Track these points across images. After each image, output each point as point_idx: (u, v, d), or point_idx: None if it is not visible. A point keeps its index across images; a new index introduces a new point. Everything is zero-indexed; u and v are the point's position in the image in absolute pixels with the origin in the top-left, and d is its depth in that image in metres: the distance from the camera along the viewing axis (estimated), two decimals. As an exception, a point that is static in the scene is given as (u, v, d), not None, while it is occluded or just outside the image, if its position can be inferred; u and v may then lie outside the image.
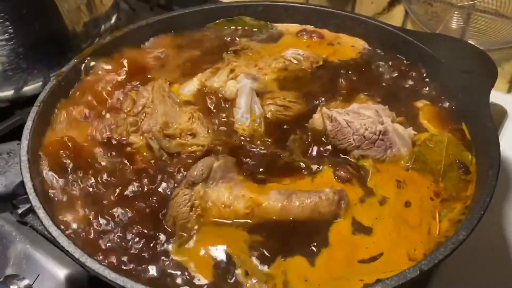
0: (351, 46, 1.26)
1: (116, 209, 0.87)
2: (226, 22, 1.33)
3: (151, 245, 0.83)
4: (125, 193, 0.90)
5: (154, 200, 0.89)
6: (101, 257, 0.81)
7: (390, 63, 1.19)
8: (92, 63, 1.15)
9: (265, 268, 0.80)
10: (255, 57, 1.21)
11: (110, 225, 0.85)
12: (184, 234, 0.84)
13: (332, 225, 0.85)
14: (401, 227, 0.85)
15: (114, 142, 1.00)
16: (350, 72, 1.17)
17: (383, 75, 1.17)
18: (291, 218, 0.85)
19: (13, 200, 0.90)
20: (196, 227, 0.85)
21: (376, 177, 0.93)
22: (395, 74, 1.17)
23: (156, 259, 0.81)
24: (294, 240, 0.83)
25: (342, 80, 1.14)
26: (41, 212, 0.80)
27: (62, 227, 0.83)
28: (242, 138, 1.01)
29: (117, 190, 0.90)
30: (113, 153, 0.97)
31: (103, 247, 0.82)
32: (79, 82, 1.13)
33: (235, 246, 0.82)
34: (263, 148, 0.99)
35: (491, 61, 1.06)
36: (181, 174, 0.92)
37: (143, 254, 0.82)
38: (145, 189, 0.91)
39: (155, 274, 0.79)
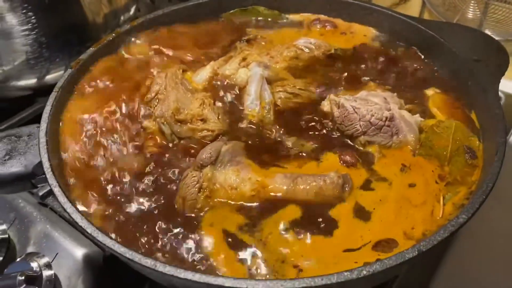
0: (363, 35, 1.27)
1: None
2: (240, 12, 1.35)
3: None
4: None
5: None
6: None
7: (401, 51, 1.20)
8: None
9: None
10: (267, 46, 1.23)
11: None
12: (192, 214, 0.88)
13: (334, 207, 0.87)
14: (403, 206, 0.86)
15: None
16: (360, 60, 1.18)
17: (394, 63, 1.17)
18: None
19: (32, 179, 0.93)
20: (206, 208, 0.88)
21: (381, 162, 0.94)
22: (406, 63, 1.17)
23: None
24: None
25: (353, 68, 1.15)
26: (57, 190, 0.84)
27: (78, 205, 0.88)
28: (251, 124, 1.03)
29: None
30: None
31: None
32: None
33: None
34: (271, 133, 1.01)
35: (502, 50, 1.06)
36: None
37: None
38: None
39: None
